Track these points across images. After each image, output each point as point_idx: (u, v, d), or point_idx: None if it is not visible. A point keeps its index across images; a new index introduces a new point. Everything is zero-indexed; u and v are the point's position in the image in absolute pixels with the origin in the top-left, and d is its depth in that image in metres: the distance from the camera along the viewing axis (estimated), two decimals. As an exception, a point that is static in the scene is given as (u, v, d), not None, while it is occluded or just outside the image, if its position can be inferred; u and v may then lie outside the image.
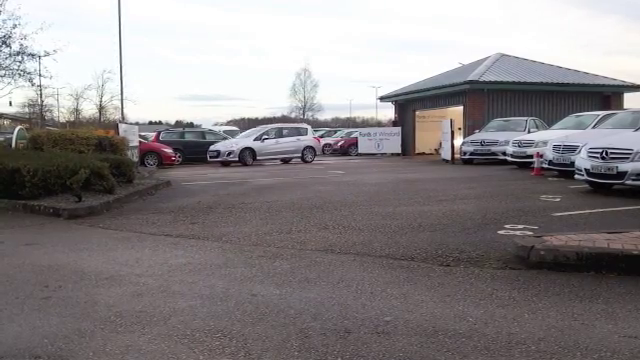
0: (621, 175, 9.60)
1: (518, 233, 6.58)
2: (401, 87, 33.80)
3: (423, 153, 30.50)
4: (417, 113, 31.45)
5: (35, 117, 52.08)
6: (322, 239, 6.67)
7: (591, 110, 21.40)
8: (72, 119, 59.10)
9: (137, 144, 19.41)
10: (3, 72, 19.75)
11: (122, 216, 8.90)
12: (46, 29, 20.98)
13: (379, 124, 62.92)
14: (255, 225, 7.76)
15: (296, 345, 3.41)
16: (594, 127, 15.13)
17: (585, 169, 10.27)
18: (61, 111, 60.40)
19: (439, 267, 5.29)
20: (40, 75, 22.81)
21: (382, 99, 36.51)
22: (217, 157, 24.24)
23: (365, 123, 78.58)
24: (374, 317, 3.87)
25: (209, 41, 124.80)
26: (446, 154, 22.71)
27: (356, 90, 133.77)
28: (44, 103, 49.92)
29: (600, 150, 10.04)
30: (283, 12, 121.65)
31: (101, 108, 60.28)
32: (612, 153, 9.82)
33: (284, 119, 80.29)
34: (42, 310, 4.17)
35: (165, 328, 3.73)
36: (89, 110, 62.43)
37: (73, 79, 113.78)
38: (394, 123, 33.72)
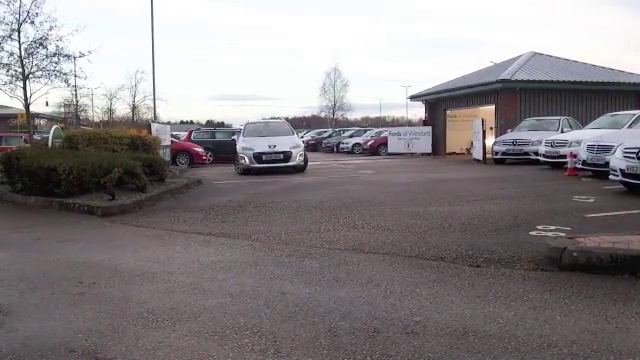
0: (658, 176, 9.39)
1: (550, 234, 6.48)
2: (432, 86, 33.55)
3: (454, 153, 30.23)
4: (448, 112, 31.19)
5: (70, 117, 53.12)
6: (351, 238, 6.67)
7: (626, 109, 20.97)
8: (106, 119, 60.20)
9: (169, 143, 19.68)
10: (40, 73, 20.21)
11: (154, 214, 9.03)
12: (81, 31, 21.46)
13: (409, 123, 62.61)
14: (285, 224, 7.80)
15: (325, 344, 3.42)
16: (630, 127, 14.79)
17: (620, 169, 10.07)
18: (95, 111, 61.56)
19: (469, 268, 5.25)
20: (75, 76, 23.29)
21: (412, 98, 36.29)
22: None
23: (395, 122, 78.31)
24: (403, 317, 3.87)
25: (241, 41, 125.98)
26: (477, 154, 22.48)
27: (386, 89, 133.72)
28: (79, 103, 50.82)
29: (636, 150, 9.83)
30: (315, 12, 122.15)
31: (134, 108, 61.23)
32: (649, 153, 9.61)
33: (314, 119, 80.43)
34: (77, 305, 4.27)
35: (195, 325, 3.78)
36: (122, 110, 63.45)
37: (107, 79, 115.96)
38: (424, 122, 33.49)
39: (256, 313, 4.00)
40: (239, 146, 18.49)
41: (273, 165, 17.59)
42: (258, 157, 17.61)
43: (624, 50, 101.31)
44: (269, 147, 17.81)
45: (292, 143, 18.56)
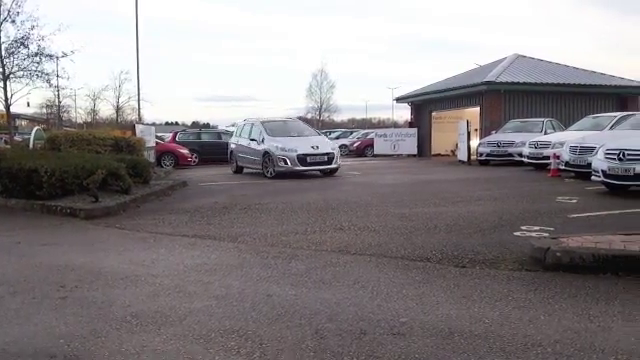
0: (638, 177, 9.50)
1: (534, 234, 6.53)
2: (417, 88, 33.65)
3: (439, 154, 30.35)
4: (433, 114, 31.31)
5: (53, 118, 52.59)
6: (338, 240, 6.67)
7: (608, 111, 21.16)
8: (89, 120, 59.70)
9: (154, 145, 19.57)
10: (21, 73, 20.06)
11: (138, 216, 8.97)
12: (64, 30, 21.23)
13: (395, 125, 62.71)
14: (271, 226, 7.79)
15: (312, 346, 3.41)
16: (611, 128, 14.96)
17: (602, 170, 10.17)
18: (78, 112, 60.96)
19: (455, 268, 5.27)
20: (58, 76, 23.14)
21: (398, 100, 36.38)
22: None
23: (381, 124, 78.40)
24: (390, 318, 3.87)
25: (227, 42, 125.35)
26: (462, 155, 22.58)
27: (372, 91, 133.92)
28: (61, 104, 50.36)
29: (617, 151, 9.94)
30: (300, 13, 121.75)
31: (118, 109, 60.78)
32: (629, 154, 9.72)
33: (301, 120, 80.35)
34: (58, 310, 4.22)
35: (181, 328, 3.76)
36: (106, 111, 62.85)
37: (91, 80, 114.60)
38: (410, 124, 33.59)
39: (242, 316, 3.99)
40: (269, 147, 16.41)
41: (317, 167, 16.34)
42: (302, 159, 15.94)
43: (607, 53, 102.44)
44: (312, 148, 16.29)
45: (330, 143, 17.69)
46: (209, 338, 3.57)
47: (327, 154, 16.35)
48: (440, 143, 30.65)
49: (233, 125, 72.26)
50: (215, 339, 3.55)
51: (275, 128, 17.74)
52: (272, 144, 16.51)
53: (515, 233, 6.73)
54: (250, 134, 17.97)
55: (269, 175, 16.22)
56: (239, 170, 18.66)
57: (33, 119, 53.99)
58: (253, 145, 17.43)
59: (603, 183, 10.44)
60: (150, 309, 4.18)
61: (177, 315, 4.03)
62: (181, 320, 3.92)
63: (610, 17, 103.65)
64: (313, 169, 16.26)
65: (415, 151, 30.45)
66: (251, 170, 18.00)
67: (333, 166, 16.43)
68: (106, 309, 4.21)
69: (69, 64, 70.38)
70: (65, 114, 56.93)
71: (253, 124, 18.29)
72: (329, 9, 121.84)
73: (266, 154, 16.56)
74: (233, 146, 19.25)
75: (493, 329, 3.64)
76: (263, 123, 18.01)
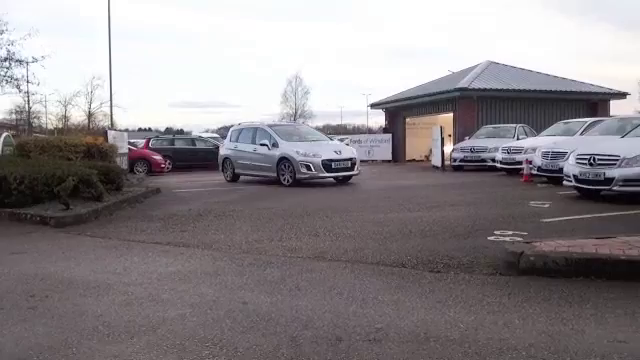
0: (608, 181, 9.66)
1: (508, 239, 6.59)
2: (392, 94, 33.90)
3: (414, 160, 30.57)
4: (408, 120, 31.55)
5: (22, 124, 51.77)
6: (313, 246, 6.65)
7: (578, 117, 21.57)
8: (60, 126, 58.77)
9: (126, 151, 19.34)
10: (-10, 78, 19.64)
11: (111, 224, 8.84)
12: (34, 35, 20.87)
13: (370, 131, 63.01)
14: (246, 232, 7.73)
15: (287, 353, 3.38)
16: (582, 134, 15.25)
17: (573, 175, 10.33)
18: (49, 118, 60.10)
19: (430, 273, 5.29)
20: (28, 81, 22.69)
21: (373, 106, 36.58)
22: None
23: (356, 130, 78.68)
24: (366, 324, 3.86)
25: (201, 48, 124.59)
26: (436, 161, 22.77)
27: (347, 97, 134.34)
28: (32, 110, 49.63)
29: (588, 156, 10.10)
30: (276, 18, 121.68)
31: (90, 115, 60.06)
32: (600, 159, 9.89)
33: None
34: (28, 320, 4.12)
35: (154, 337, 3.70)
36: (78, 117, 62.01)
37: (61, 85, 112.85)
38: (385, 130, 33.77)
39: (217, 324, 3.94)
40: (288, 152, 15.27)
41: (341, 174, 15.54)
42: (327, 165, 14.92)
43: (579, 60, 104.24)
44: (336, 153, 15.37)
45: (350, 148, 16.84)
46: (183, 347, 3.52)
47: (350, 159, 15.55)
48: (414, 149, 30.88)
49: (207, 131, 71.64)
50: (189, 348, 3.50)
51: (287, 132, 16.77)
52: (291, 149, 15.31)
53: (489, 238, 6.79)
54: (255, 139, 16.72)
55: (286, 183, 15.12)
56: (235, 178, 17.53)
57: (2, 125, 52.96)
58: (262, 150, 16.14)
59: (575, 188, 10.59)
60: (122, 318, 4.11)
61: (150, 324, 3.96)
62: (154, 329, 3.86)
63: (580, 25, 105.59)
64: (338, 175, 15.51)
65: (390, 157, 30.63)
66: (251, 177, 17.18)
67: (355, 172, 15.72)
68: (77, 319, 4.13)
69: (40, 69, 69.24)
70: (35, 120, 56.15)
71: (257, 128, 17.13)
72: (304, 16, 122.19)
73: (283, 160, 15.35)
74: (228, 152, 17.90)
75: (468, 334, 3.66)
76: (271, 127, 16.94)
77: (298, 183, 14.92)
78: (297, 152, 15.10)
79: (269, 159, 15.84)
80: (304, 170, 14.86)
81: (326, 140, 17.11)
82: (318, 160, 14.88)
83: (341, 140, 26.37)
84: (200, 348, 3.49)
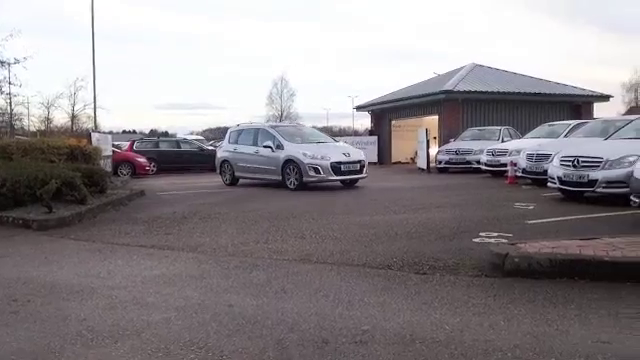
0: (592, 183, 9.75)
1: (493, 241, 6.62)
2: (378, 96, 33.98)
3: (399, 162, 30.66)
4: (393, 122, 31.65)
5: (4, 126, 51.09)
6: (299, 249, 6.64)
7: (563, 119, 21.73)
8: (43, 128, 58.16)
9: (110, 153, 19.23)
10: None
11: (94, 227, 8.76)
12: (16, 36, 20.63)
13: (356, 133, 63.05)
14: (231, 235, 7.70)
15: (273, 356, 3.37)
16: (566, 136, 15.36)
17: (558, 177, 10.41)
18: (31, 120, 59.30)
19: (415, 275, 5.30)
20: (10, 83, 22.41)
21: (358, 108, 36.68)
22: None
23: (342, 132, 78.65)
24: (352, 327, 3.85)
25: (186, 49, 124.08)
26: (422, 163, 22.84)
27: (333, 99, 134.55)
28: (13, 112, 49.04)
29: (572, 159, 10.19)
30: (261, 19, 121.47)
31: (73, 117, 59.41)
32: (583, 161, 9.97)
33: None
34: (10, 325, 4.06)
35: (139, 342, 3.66)
36: (61, 119, 61.22)
37: (44, 87, 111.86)
38: (370, 132, 33.86)
39: (202, 327, 3.91)
40: (294, 154, 14.57)
41: (350, 177, 14.83)
42: (336, 168, 14.27)
43: (567, 62, 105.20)
44: (345, 155, 14.70)
45: (358, 150, 16.01)
46: (168, 351, 3.49)
47: (359, 162, 14.87)
48: (400, 151, 30.98)
49: (192, 133, 71.26)
50: (174, 352, 3.47)
51: (291, 134, 16.04)
52: (297, 151, 14.63)
53: (474, 239, 6.81)
54: (256, 140, 16.01)
55: (292, 187, 14.46)
56: (234, 181, 16.76)
57: (-16, 128, 52.37)
58: (264, 152, 15.42)
59: (559, 190, 10.67)
60: (107, 322, 4.07)
61: (135, 328, 3.93)
62: (139, 333, 3.82)
63: (566, 28, 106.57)
64: (347, 178, 14.81)
65: (375, 159, 30.67)
66: (251, 181, 16.45)
67: (364, 175, 15.11)
68: (60, 323, 4.08)
69: (22, 71, 68.54)
70: (17, 122, 55.42)
71: (259, 129, 16.52)
72: (289, 17, 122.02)
73: (289, 162, 14.65)
74: (226, 154, 17.13)
75: (454, 335, 3.66)
76: (275, 128, 16.37)
77: (304, 187, 14.30)
78: (304, 154, 14.39)
79: (273, 161, 15.15)
80: (312, 173, 14.19)
81: (332, 142, 16.48)
82: (327, 163, 14.23)
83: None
84: (185, 352, 3.46)
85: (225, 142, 17.97)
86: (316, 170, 14.17)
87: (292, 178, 14.54)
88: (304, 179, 14.27)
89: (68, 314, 4.29)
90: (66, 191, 10.07)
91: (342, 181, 14.95)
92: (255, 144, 15.99)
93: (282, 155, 14.87)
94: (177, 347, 3.54)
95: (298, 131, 16.94)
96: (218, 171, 17.58)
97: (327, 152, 14.56)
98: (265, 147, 15.41)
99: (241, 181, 16.80)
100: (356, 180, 15.12)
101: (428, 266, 5.58)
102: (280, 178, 14.87)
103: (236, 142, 17.03)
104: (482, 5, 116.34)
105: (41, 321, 4.15)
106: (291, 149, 14.82)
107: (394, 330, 3.77)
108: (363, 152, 16.05)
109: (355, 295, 4.65)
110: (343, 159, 14.53)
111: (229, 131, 18.30)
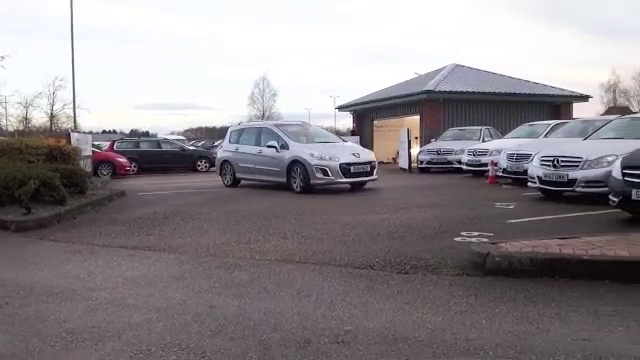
0: (571, 182, 9.85)
1: (474, 240, 6.67)
2: (359, 97, 34.05)
3: (381, 162, 30.52)
4: (375, 122, 31.74)
5: (-19, 126, 50.37)
6: (281, 249, 6.62)
7: (542, 119, 21.95)
8: (21, 128, 57.38)
9: (90, 154, 19.03)
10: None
11: (74, 228, 8.67)
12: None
13: (338, 133, 63.18)
14: (213, 235, 7.66)
15: (255, 357, 3.36)
16: (546, 136, 15.51)
17: (538, 177, 10.50)
18: (9, 119, 58.47)
19: (397, 275, 5.31)
20: (-14, 82, 22.10)
21: (340, 108, 36.71)
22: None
23: (323, 132, 78.76)
24: (334, 326, 3.85)
25: (168, 48, 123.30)
26: (403, 163, 22.91)
27: (315, 99, 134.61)
28: (-9, 111, 48.36)
29: (552, 158, 10.28)
30: (245, 21, 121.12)
31: (52, 117, 58.69)
32: (563, 161, 10.07)
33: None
34: (-12, 327, 4.00)
35: (119, 343, 3.63)
36: (40, 119, 60.38)
37: (22, 86, 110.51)
38: (352, 132, 33.89)
39: (184, 328, 3.89)
40: (300, 154, 13.57)
41: (360, 179, 13.85)
42: (346, 169, 13.30)
43: (547, 63, 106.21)
44: (354, 156, 13.76)
45: (368, 152, 15.04)
46: (149, 352, 3.46)
47: (369, 163, 13.96)
48: (382, 151, 30.96)
49: (173, 133, 70.73)
50: (155, 353, 3.44)
51: (296, 133, 15.00)
52: (304, 151, 13.62)
53: (455, 239, 6.85)
54: (259, 140, 15.08)
55: (298, 189, 13.47)
56: (235, 183, 15.90)
57: (-39, 127, 51.60)
58: (268, 152, 14.42)
59: (539, 189, 10.77)
60: (87, 324, 4.02)
61: (115, 330, 3.89)
62: (119, 335, 3.79)
63: (547, 30, 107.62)
64: (356, 181, 13.83)
65: (357, 159, 30.67)
66: (253, 182, 15.47)
67: (374, 177, 14.10)
68: (39, 325, 4.03)
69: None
70: (-5, 122, 54.69)
71: (262, 128, 15.64)
72: (271, 17, 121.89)
73: (295, 163, 13.62)
74: (227, 154, 16.30)
75: (436, 334, 3.68)
76: (279, 127, 15.25)
77: (311, 189, 13.30)
78: (311, 155, 13.39)
79: (278, 162, 14.14)
80: (320, 175, 13.17)
81: (340, 141, 15.46)
82: (336, 164, 13.23)
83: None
84: (167, 353, 3.44)
85: (225, 142, 17.13)
86: (324, 172, 13.19)
87: (298, 180, 13.56)
88: (311, 181, 13.27)
89: (47, 316, 4.24)
90: (45, 192, 9.94)
91: (352, 184, 13.93)
92: (258, 144, 15.09)
93: (287, 156, 13.87)
94: (158, 348, 3.51)
95: (304, 130, 15.80)
96: (218, 172, 16.85)
97: (336, 152, 13.57)
98: (269, 147, 14.46)
99: (248, 183, 15.86)
100: (365, 182, 14.16)
101: (410, 266, 5.60)
102: (285, 180, 13.90)
103: (237, 142, 16.15)
104: (465, 7, 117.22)
105: (20, 323, 4.09)
106: (297, 149, 13.84)
107: (376, 330, 3.78)
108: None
109: (337, 295, 4.65)
110: (353, 160, 13.58)
111: (230, 130, 17.61)
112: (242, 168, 15.58)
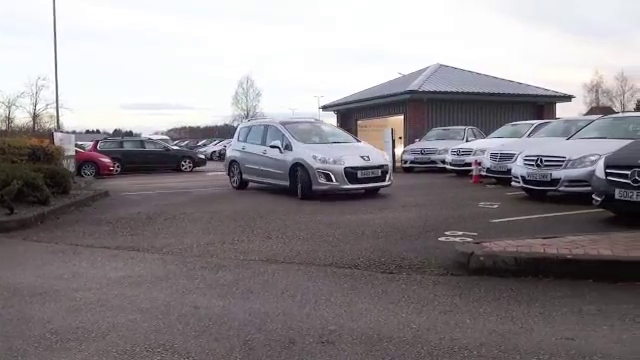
0: (555, 182, 9.93)
1: (458, 239, 6.70)
2: (343, 96, 34.08)
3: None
4: (359, 122, 31.79)
5: (-37, 126, 49.74)
6: (266, 249, 6.61)
7: (526, 119, 22.12)
8: (4, 128, 56.73)
9: (73, 153, 18.85)
10: None
11: (57, 228, 8.59)
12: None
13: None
14: (197, 236, 7.63)
15: (240, 357, 3.35)
16: (529, 136, 15.62)
17: (521, 176, 10.57)
18: (-9, 119, 57.89)
19: (382, 274, 5.33)
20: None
21: (324, 108, 36.70)
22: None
23: (308, 132, 78.79)
24: (319, 326, 3.86)
25: (153, 48, 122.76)
26: (387, 162, 22.93)
27: (299, 99, 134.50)
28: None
29: (535, 158, 10.36)
30: (227, 20, 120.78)
31: (35, 116, 58.14)
32: (546, 161, 10.15)
33: (227, 128, 79.64)
34: (-30, 329, 3.96)
35: (104, 344, 3.61)
36: (22, 119, 59.83)
37: (4, 86, 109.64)
38: (336, 132, 33.87)
39: (168, 329, 3.87)
40: (302, 156, 12.11)
41: (369, 185, 12.13)
42: (352, 174, 11.69)
43: (531, 64, 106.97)
44: (363, 159, 11.99)
45: (381, 153, 13.24)
46: (134, 353, 3.44)
47: (381, 167, 12.19)
48: (366, 151, 31.06)
49: (156, 133, 70.29)
50: (140, 354, 3.43)
51: (303, 132, 13.43)
52: (307, 152, 12.14)
53: (440, 238, 6.89)
54: (264, 139, 13.68)
55: (299, 195, 12.00)
56: (243, 185, 14.69)
57: (-59, 127, 50.87)
58: (273, 153, 13.04)
59: (523, 189, 10.85)
60: (71, 325, 3.99)
61: (100, 330, 3.87)
62: (104, 335, 3.76)
63: (530, 30, 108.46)
64: (364, 187, 12.18)
65: (342, 159, 30.68)
66: (261, 185, 14.17)
67: (387, 183, 12.36)
68: (23, 326, 3.99)
69: (-20, 69, 66.65)
70: (-24, 122, 54.02)
71: (268, 126, 14.05)
72: (255, 17, 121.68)
73: (297, 166, 12.16)
74: (235, 154, 15.07)
75: (421, 334, 3.70)
76: (285, 124, 13.59)
77: (312, 195, 11.77)
78: (314, 157, 11.89)
79: (281, 165, 12.75)
80: (322, 180, 11.66)
81: (352, 142, 13.55)
82: (340, 168, 11.66)
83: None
84: (151, 354, 3.42)
85: (234, 140, 15.85)
86: (327, 177, 11.65)
87: (300, 185, 12.06)
88: (313, 187, 11.76)
89: (31, 317, 4.20)
90: (28, 192, 9.85)
91: (358, 190, 12.31)
92: (264, 143, 13.66)
93: (290, 157, 12.44)
94: (143, 349, 3.50)
95: (314, 129, 14.13)
96: (226, 172, 15.73)
97: (341, 154, 12.02)
98: (272, 147, 13.12)
99: (257, 186, 14.57)
100: (377, 188, 12.50)
101: (394, 265, 5.61)
102: (287, 184, 12.51)
103: (245, 140, 14.80)
104: (447, 7, 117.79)
105: (3, 324, 4.05)
106: (300, 151, 12.36)
107: (361, 330, 3.79)
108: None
109: (322, 295, 4.66)
110: (360, 163, 11.88)
111: (239, 127, 16.53)
112: (248, 169, 14.34)
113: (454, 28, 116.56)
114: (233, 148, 15.61)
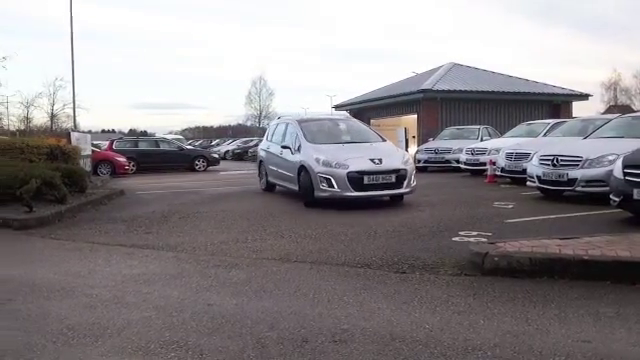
0: (571, 182, 9.84)
1: (472, 240, 6.67)
2: (356, 96, 34.04)
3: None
4: (372, 121, 31.62)
5: (-18, 125, 50.27)
6: (278, 248, 6.63)
7: (541, 118, 21.97)
8: (22, 127, 57.29)
9: (90, 153, 18.99)
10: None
11: (74, 226, 8.68)
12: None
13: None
14: (211, 234, 7.67)
15: (253, 355, 3.37)
16: (545, 135, 15.48)
17: (537, 176, 10.50)
18: (11, 119, 58.36)
19: (395, 274, 5.32)
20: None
21: (337, 108, 36.73)
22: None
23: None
24: (331, 325, 3.86)
25: (166, 49, 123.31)
26: (401, 162, 22.86)
27: (312, 99, 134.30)
28: (-7, 111, 48.28)
29: (551, 157, 10.28)
30: (241, 20, 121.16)
31: (53, 116, 58.63)
32: (562, 160, 10.06)
33: (240, 128, 79.91)
34: (-11, 324, 4.02)
35: (119, 340, 3.64)
36: (40, 118, 60.29)
37: (23, 87, 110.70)
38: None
39: (182, 326, 3.90)
40: (307, 159, 10.70)
41: (380, 192, 10.37)
42: (357, 180, 9.98)
43: (543, 61, 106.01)
44: (373, 162, 10.24)
45: (400, 154, 11.30)
46: (148, 350, 3.47)
47: (395, 171, 10.30)
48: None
49: (170, 133, 70.72)
50: (154, 350, 3.46)
51: (317, 130, 11.93)
52: (311, 154, 10.71)
53: (454, 238, 6.86)
54: (283, 139, 12.30)
55: (304, 202, 10.68)
56: (270, 187, 13.43)
57: (-38, 126, 51.45)
58: (286, 155, 11.83)
59: (538, 188, 10.77)
60: (87, 321, 4.04)
61: (115, 327, 3.91)
62: (119, 332, 3.80)
63: (546, 28, 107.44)
64: (374, 195, 10.40)
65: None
66: (284, 189, 12.62)
67: (405, 190, 10.49)
68: (41, 322, 4.05)
69: (1, 70, 67.37)
70: (-4, 121, 54.58)
71: (288, 124, 12.52)
72: (269, 18, 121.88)
73: (302, 170, 10.81)
74: (262, 154, 14.01)
75: (434, 334, 3.69)
76: (300, 122, 12.11)
77: (315, 203, 10.32)
78: (317, 159, 10.44)
79: (290, 167, 11.54)
80: (324, 186, 10.13)
81: (371, 142, 11.57)
82: (342, 172, 10.02)
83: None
84: (165, 351, 3.45)
85: (264, 139, 14.53)
86: (328, 182, 10.10)
87: (303, 191, 10.78)
88: (315, 194, 10.29)
89: (49, 313, 4.26)
90: (46, 190, 9.96)
91: (368, 198, 10.42)
92: (282, 144, 12.28)
93: (297, 159, 11.13)
94: (157, 346, 3.53)
95: (333, 126, 12.59)
96: (257, 173, 14.65)
97: (348, 157, 10.33)
98: (283, 148, 11.99)
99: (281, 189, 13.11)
100: (401, 196, 10.75)
101: (407, 265, 5.60)
102: (297, 188, 11.16)
103: (271, 140, 13.50)
104: (459, 5, 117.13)
105: (22, 319, 4.11)
106: (307, 152, 10.93)
107: (373, 329, 3.79)
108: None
109: (334, 294, 4.66)
110: (368, 167, 10.14)
111: (270, 125, 15.30)
112: (271, 171, 13.08)
113: (468, 27, 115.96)
114: (261, 148, 14.57)
